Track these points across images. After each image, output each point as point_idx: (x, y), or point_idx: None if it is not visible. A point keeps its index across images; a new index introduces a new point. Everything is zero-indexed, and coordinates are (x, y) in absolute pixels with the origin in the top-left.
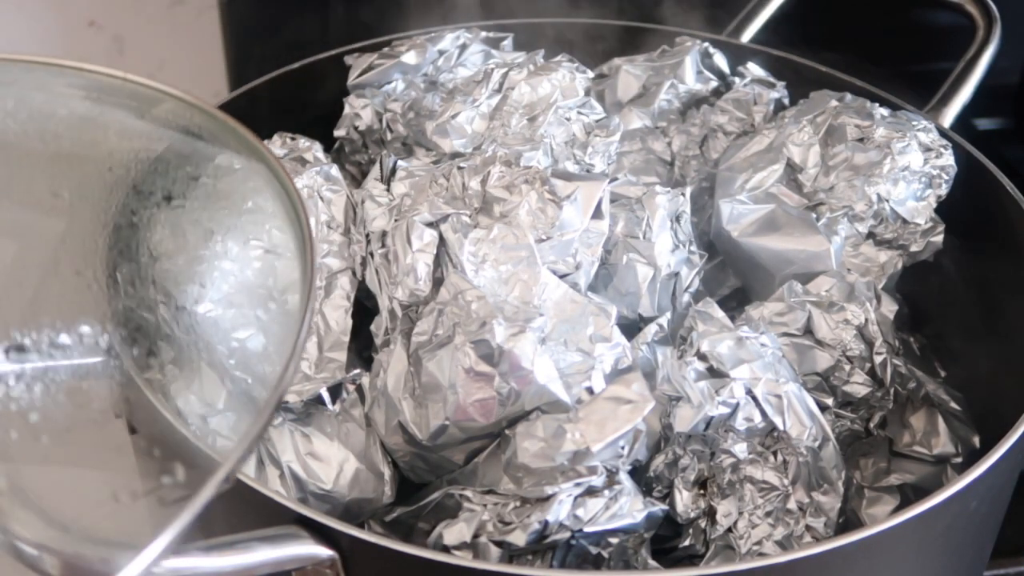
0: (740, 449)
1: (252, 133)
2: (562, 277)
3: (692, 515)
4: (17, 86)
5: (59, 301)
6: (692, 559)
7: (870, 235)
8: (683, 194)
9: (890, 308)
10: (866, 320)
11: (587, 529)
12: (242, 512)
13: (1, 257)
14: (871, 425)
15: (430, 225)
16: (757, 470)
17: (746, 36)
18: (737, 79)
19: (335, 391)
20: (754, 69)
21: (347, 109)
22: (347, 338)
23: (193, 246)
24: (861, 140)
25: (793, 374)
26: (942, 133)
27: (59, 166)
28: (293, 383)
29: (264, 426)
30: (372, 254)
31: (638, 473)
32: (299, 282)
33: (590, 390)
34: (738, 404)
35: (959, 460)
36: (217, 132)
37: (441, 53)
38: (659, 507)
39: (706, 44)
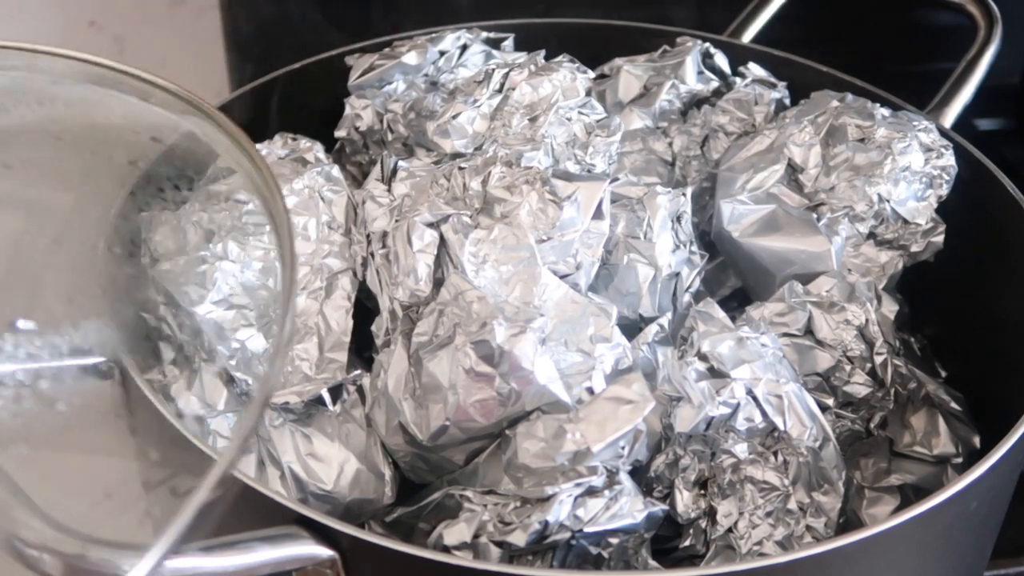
0: (741, 449)
1: (246, 136)
2: (563, 277)
3: (692, 515)
4: (16, 71)
5: (59, 300)
6: (692, 559)
7: (871, 235)
8: (684, 194)
9: (891, 308)
10: (867, 320)
11: (587, 529)
12: (242, 512)
13: (4, 247)
14: (871, 425)
15: (431, 225)
16: (757, 470)
17: (747, 36)
18: (738, 79)
19: (336, 392)
20: (755, 69)
21: (348, 110)
22: (348, 339)
23: (194, 247)
24: (862, 140)
25: (794, 374)
26: (943, 133)
27: (64, 150)
28: (284, 383)
29: (254, 423)
30: (373, 254)
31: (638, 473)
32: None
33: (590, 390)
34: (739, 404)
35: (959, 460)
36: (211, 131)
37: (442, 53)
38: (659, 507)
39: (707, 44)
